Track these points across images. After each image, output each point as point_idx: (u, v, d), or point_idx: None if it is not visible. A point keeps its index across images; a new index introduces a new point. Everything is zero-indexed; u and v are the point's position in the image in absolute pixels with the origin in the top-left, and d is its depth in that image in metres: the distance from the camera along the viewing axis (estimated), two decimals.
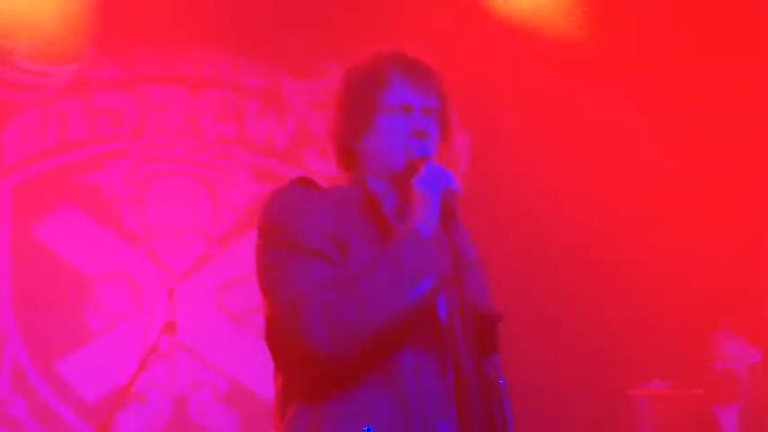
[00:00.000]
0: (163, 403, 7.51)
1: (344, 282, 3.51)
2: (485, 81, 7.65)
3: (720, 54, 8.07)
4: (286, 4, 7.64)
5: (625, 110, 7.96)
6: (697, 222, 7.86)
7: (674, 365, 7.22)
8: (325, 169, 3.96)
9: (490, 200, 7.31)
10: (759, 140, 8.10)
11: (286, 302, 3.55)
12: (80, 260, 7.48)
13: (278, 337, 3.64)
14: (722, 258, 7.74)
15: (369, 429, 3.51)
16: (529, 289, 7.17)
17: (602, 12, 8.09)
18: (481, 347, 3.57)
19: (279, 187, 3.68)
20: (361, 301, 3.50)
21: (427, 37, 7.06)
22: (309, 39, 7.63)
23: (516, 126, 7.82)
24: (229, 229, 7.65)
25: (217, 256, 7.68)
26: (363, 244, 3.59)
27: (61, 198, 7.47)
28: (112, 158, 7.56)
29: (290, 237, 3.60)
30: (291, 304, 3.52)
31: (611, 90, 7.97)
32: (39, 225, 7.44)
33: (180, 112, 7.65)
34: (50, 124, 7.50)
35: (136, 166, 7.60)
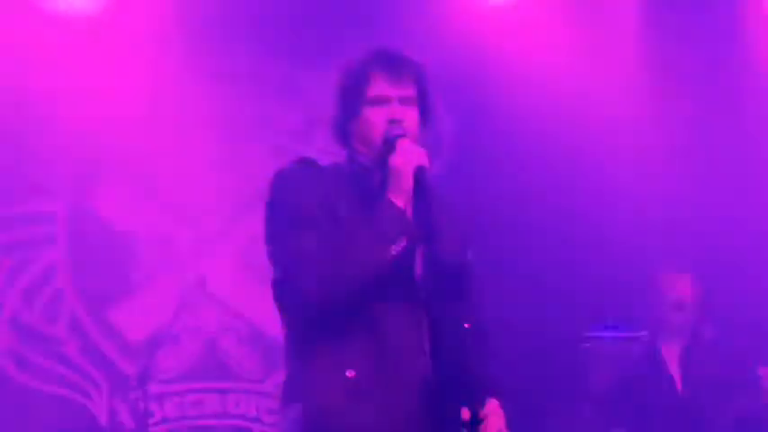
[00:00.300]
0: (194, 345, 7.57)
1: (334, 246, 3.61)
2: (469, 68, 7.62)
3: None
4: (299, 6, 7.63)
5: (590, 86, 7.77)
6: (647, 178, 7.77)
7: (625, 310, 7.09)
8: (331, 147, 4.10)
9: (467, 168, 7.04)
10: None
11: (285, 266, 3.73)
12: (127, 225, 7.55)
13: (280, 293, 3.79)
14: (670, 213, 7.71)
15: (354, 377, 3.64)
16: (493, 243, 6.70)
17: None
18: (453, 297, 3.72)
19: (281, 167, 3.82)
20: (345, 262, 3.59)
21: (419, 31, 7.21)
22: (318, 36, 7.50)
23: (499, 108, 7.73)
24: (251, 197, 7.13)
25: (241, 219, 7.65)
26: (351, 213, 3.69)
27: (111, 173, 7.53)
28: (154, 140, 7.43)
29: (289, 209, 3.73)
30: (289, 268, 3.69)
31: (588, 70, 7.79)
32: (92, 196, 7.54)
33: (209, 101, 7.56)
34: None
35: (175, 144, 7.50)
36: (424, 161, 3.70)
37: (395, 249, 3.63)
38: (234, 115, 7.69)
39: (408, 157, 3.69)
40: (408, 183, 3.68)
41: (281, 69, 7.72)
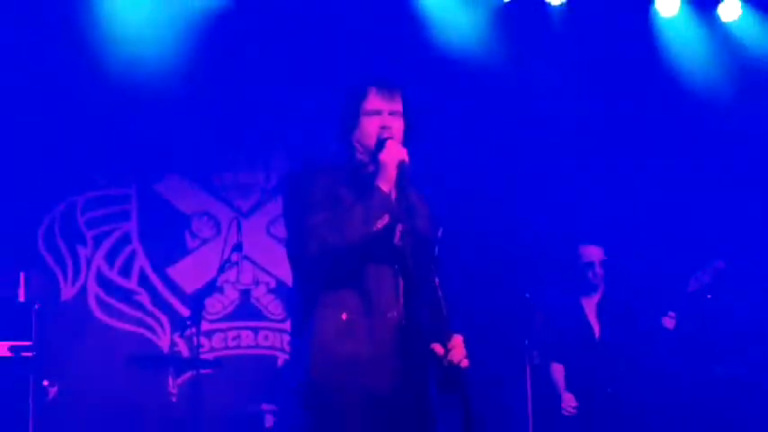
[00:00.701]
0: (233, 294, 7.59)
1: (334, 220, 3.65)
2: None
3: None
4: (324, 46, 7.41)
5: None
6: (570, 175, 7.62)
7: (556, 273, 6.98)
8: (335, 147, 4.08)
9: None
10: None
11: (296, 234, 3.76)
12: (182, 205, 7.58)
13: (292, 255, 3.83)
14: (586, 198, 7.50)
15: (347, 319, 3.65)
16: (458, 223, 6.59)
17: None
18: (423, 259, 3.70)
19: (294, 164, 3.89)
20: (343, 232, 3.62)
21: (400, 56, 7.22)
22: (323, 69, 7.27)
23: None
24: (275, 184, 7.66)
25: (267, 201, 7.69)
26: (350, 196, 3.72)
27: (172, 165, 7.53)
28: (203, 144, 7.57)
29: (298, 195, 3.76)
30: (299, 236, 3.72)
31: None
32: (157, 183, 7.54)
33: (244, 120, 7.55)
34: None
35: (218, 148, 7.59)
36: (406, 158, 3.75)
37: (380, 224, 3.67)
38: (262, 128, 7.70)
39: (394, 154, 3.73)
40: (393, 174, 3.72)
41: (293, 96, 7.58)
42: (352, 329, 3.67)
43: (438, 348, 3.61)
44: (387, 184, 3.70)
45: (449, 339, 3.62)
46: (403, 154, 3.74)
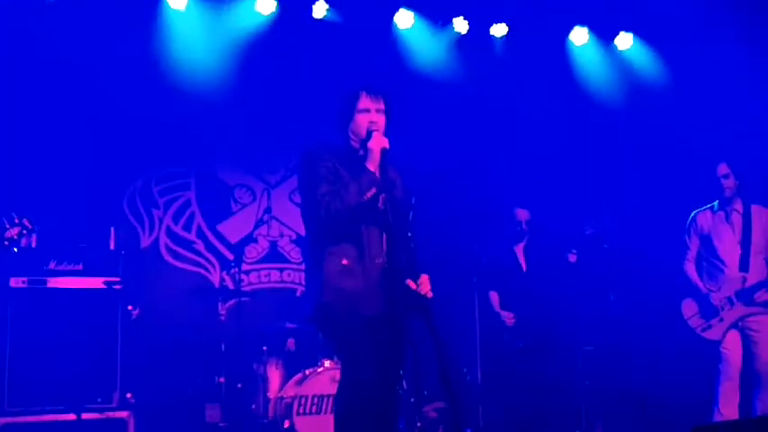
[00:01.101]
0: (264, 244, 7.57)
1: (336, 191, 3.73)
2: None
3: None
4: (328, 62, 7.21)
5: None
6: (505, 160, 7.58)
7: (498, 229, 6.93)
8: (335, 137, 4.07)
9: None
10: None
11: (308, 200, 3.85)
12: (228, 178, 7.47)
13: (306, 216, 3.95)
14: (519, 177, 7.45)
15: (347, 264, 3.74)
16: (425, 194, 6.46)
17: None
18: (400, 220, 3.79)
19: (306, 148, 3.89)
20: (342, 200, 3.70)
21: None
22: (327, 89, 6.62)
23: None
24: (293, 165, 7.36)
25: (289, 176, 7.59)
26: (348, 174, 3.80)
27: (221, 149, 7.37)
28: (243, 135, 7.32)
29: (310, 171, 3.83)
30: (311, 202, 3.80)
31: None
32: (210, 163, 7.40)
33: (267, 113, 7.27)
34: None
35: (255, 137, 7.34)
36: (387, 145, 3.85)
37: (369, 194, 3.78)
38: (284, 123, 7.51)
39: (379, 143, 3.84)
40: (378, 157, 3.82)
41: (307, 100, 7.29)
42: (351, 271, 3.78)
43: (411, 284, 3.78)
44: (373, 164, 3.81)
45: (418, 277, 3.81)
46: (385, 142, 3.85)
